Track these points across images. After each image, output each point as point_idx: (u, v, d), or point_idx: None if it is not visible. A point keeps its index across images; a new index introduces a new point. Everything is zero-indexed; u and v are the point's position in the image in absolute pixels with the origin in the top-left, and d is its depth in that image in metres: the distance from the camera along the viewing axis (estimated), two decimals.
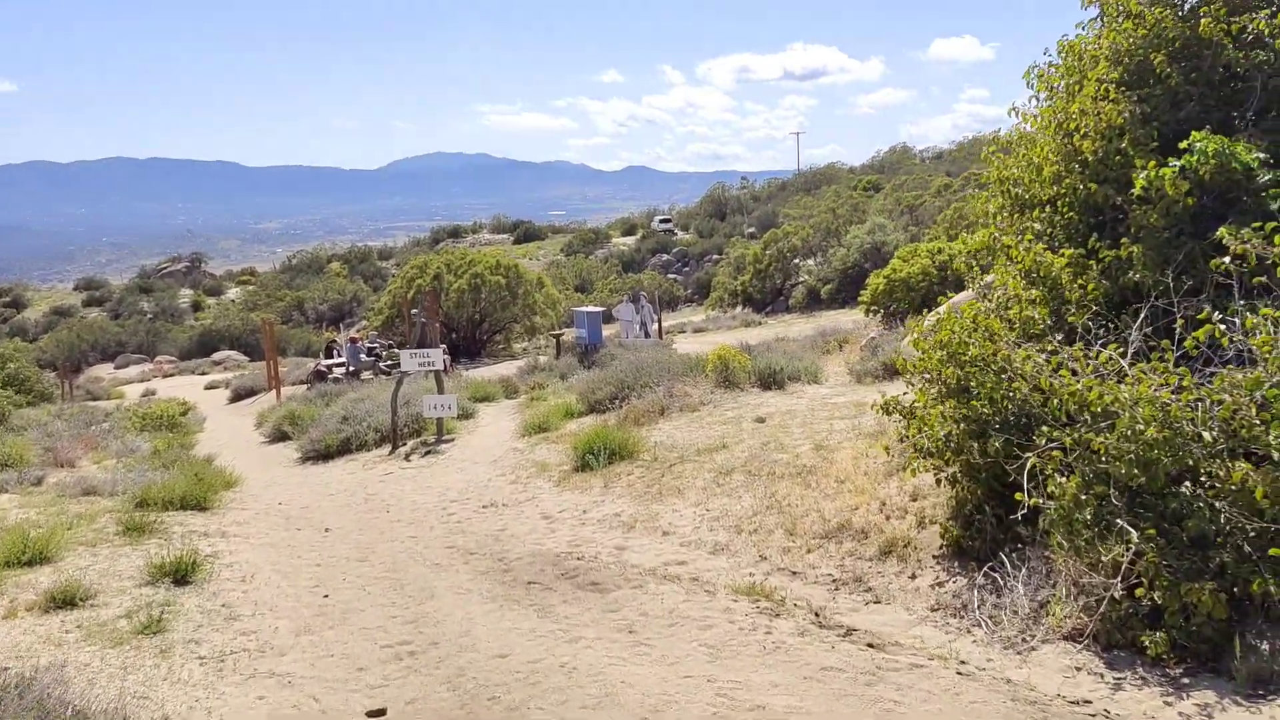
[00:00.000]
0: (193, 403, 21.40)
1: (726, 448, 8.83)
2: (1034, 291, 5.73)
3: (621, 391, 12.38)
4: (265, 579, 6.50)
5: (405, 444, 12.77)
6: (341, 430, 13.02)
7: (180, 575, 6.22)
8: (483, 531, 7.68)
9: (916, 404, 6.59)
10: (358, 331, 32.16)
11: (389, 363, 22.49)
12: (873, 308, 16.19)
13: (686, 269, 63.50)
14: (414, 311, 14.94)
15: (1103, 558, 4.32)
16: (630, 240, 73.83)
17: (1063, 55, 6.43)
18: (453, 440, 12.50)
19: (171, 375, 37.88)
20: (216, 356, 41.90)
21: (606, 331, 23.31)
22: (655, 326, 24.21)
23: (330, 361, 23.92)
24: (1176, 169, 5.16)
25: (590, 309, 22.60)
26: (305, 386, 22.17)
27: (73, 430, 15.83)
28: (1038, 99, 6.56)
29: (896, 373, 12.09)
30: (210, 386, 29.52)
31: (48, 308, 74.79)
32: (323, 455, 12.79)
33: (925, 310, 15.10)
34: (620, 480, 8.54)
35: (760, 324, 32.48)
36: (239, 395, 24.05)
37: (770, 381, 12.03)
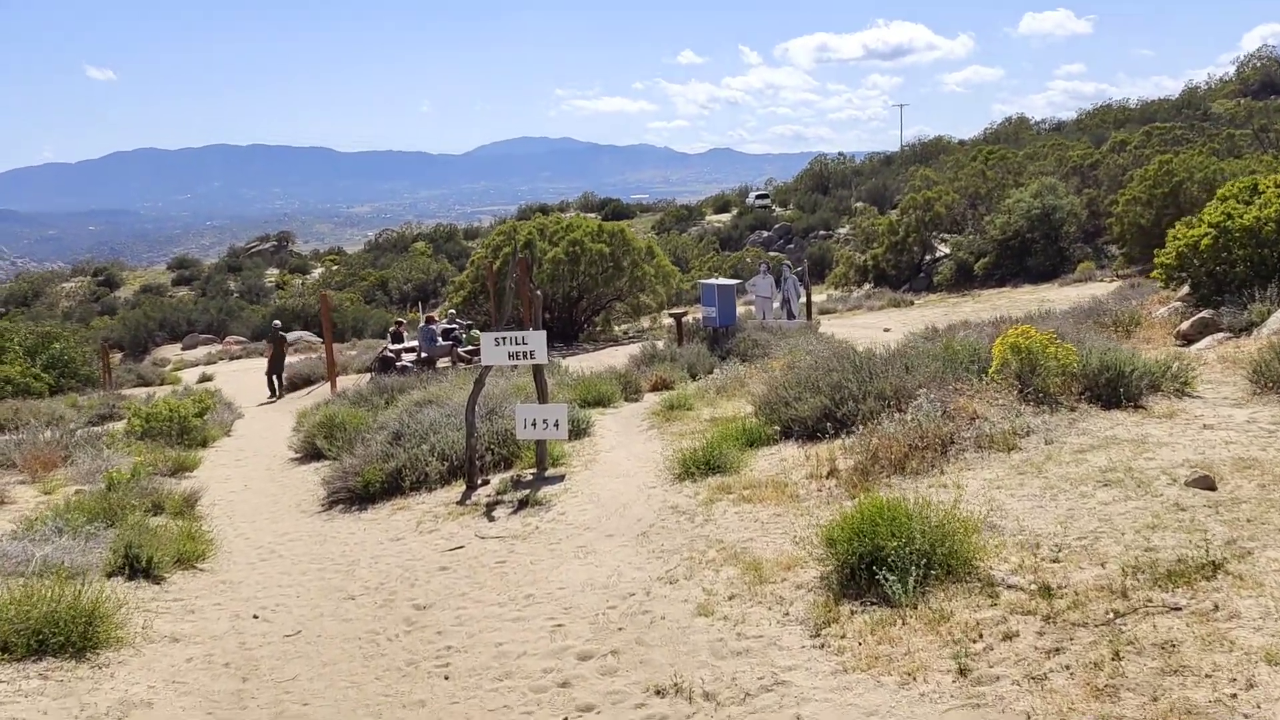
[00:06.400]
0: (229, 395, 17.34)
1: (1222, 568, 3.75)
2: None
3: (839, 403, 7.38)
4: None
5: (487, 480, 8.07)
6: (391, 456, 8.40)
7: None
8: None
9: None
10: (436, 311, 28.01)
11: (469, 348, 17.99)
12: (1178, 273, 10.70)
13: (790, 245, 58.10)
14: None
15: None
16: (725, 217, 68.59)
17: None
18: (562, 478, 7.73)
19: (239, 357, 34.70)
20: (290, 337, 38.62)
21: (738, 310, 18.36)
22: (801, 303, 19.07)
23: (399, 346, 19.56)
24: None
25: (721, 281, 17.62)
26: (368, 376, 17.89)
27: (53, 436, 11.77)
28: None
29: None
30: None
31: (139, 286, 74.32)
32: (360, 497, 8.20)
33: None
34: (990, 650, 3.56)
35: (911, 304, 26.89)
36: (293, 384, 19.99)
37: (1113, 394, 6.84)
